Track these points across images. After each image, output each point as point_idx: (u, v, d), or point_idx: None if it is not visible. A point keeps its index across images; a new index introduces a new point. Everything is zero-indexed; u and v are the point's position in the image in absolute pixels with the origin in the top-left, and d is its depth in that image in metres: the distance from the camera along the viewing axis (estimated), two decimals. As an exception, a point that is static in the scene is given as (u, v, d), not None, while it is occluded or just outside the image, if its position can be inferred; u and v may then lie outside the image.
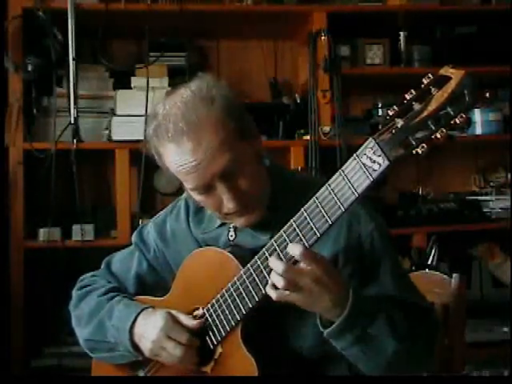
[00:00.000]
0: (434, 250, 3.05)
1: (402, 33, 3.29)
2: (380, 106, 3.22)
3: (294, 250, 1.28)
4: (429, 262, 3.04)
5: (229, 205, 1.42)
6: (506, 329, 3.08)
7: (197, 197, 1.47)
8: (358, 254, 1.43)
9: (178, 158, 1.39)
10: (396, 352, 1.34)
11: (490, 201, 3.27)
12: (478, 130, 3.25)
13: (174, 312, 1.52)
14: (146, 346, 1.52)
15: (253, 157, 1.44)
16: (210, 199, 1.44)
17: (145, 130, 1.48)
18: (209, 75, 1.49)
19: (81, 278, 1.77)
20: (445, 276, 1.80)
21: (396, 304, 1.38)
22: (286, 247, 1.32)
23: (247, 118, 1.46)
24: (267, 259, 1.35)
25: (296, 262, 1.30)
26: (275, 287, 1.29)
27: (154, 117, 1.44)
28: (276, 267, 1.29)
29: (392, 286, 1.43)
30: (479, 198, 3.32)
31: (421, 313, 1.43)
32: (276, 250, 1.34)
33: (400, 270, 1.50)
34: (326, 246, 1.43)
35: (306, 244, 1.29)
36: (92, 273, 1.77)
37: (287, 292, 1.29)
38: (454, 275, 1.76)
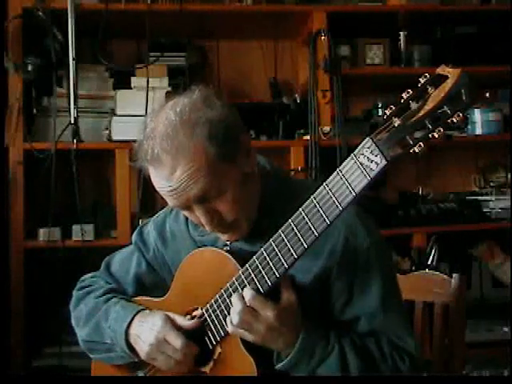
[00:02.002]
0: (434, 250, 3.05)
1: (401, 33, 3.29)
2: (380, 106, 3.22)
3: (246, 295, 1.34)
4: (429, 262, 3.04)
5: (206, 227, 1.43)
6: (506, 329, 3.09)
7: (181, 211, 1.49)
8: (352, 269, 1.43)
9: (156, 180, 1.40)
10: None
11: (490, 201, 3.27)
12: (478, 130, 3.25)
13: (170, 314, 1.52)
14: (142, 348, 1.52)
15: (237, 179, 1.41)
16: (191, 216, 1.46)
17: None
18: (200, 91, 1.43)
19: (81, 278, 1.77)
20: (445, 276, 1.80)
21: (358, 343, 1.39)
22: (284, 247, 1.32)
23: (236, 138, 1.41)
24: (265, 259, 1.35)
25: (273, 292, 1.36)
26: (231, 321, 1.36)
27: (143, 130, 1.43)
28: (235, 306, 1.35)
29: (377, 307, 1.42)
30: (479, 198, 3.32)
31: (389, 351, 1.42)
32: (274, 251, 1.34)
33: (390, 292, 1.47)
34: (322, 259, 1.43)
35: (305, 244, 1.29)
36: (92, 273, 1.77)
37: (241, 330, 1.35)
38: (454, 275, 1.76)
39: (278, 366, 1.39)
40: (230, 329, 1.37)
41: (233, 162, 1.39)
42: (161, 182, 1.38)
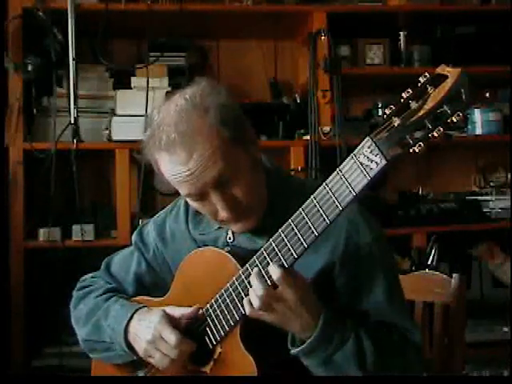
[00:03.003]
0: (434, 250, 3.05)
1: (401, 33, 3.29)
2: (380, 106, 3.21)
3: (274, 272, 1.31)
4: (429, 262, 3.04)
5: (222, 213, 1.42)
6: (506, 329, 3.08)
7: (192, 203, 1.48)
8: (355, 264, 1.43)
9: (170, 167, 1.39)
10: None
11: (490, 201, 3.27)
12: (478, 130, 3.25)
13: (170, 308, 1.52)
14: (140, 345, 1.52)
15: (248, 164, 1.43)
16: (205, 206, 1.45)
17: (143, 132, 1.48)
18: (206, 81, 1.46)
19: (81, 278, 1.78)
20: (445, 276, 1.80)
21: (372, 332, 1.39)
22: (284, 247, 1.32)
23: (244, 125, 1.45)
24: (265, 259, 1.35)
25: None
26: (251, 303, 1.33)
27: (150, 124, 1.43)
28: (255, 287, 1.32)
29: (382, 301, 1.43)
30: (479, 198, 3.32)
31: (399, 341, 1.42)
32: (274, 250, 1.34)
33: (394, 285, 1.48)
34: (324, 254, 1.43)
35: (305, 243, 1.29)
36: (92, 273, 1.77)
37: (260, 312, 1.33)
38: (454, 275, 1.76)
39: (294, 351, 1.36)
40: (248, 310, 1.34)
41: (243, 147, 1.42)
42: (176, 167, 1.38)
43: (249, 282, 1.38)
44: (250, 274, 1.38)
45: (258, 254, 1.37)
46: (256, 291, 1.32)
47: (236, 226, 1.47)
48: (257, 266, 1.37)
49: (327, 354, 1.35)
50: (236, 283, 1.41)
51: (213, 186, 1.39)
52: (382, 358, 1.38)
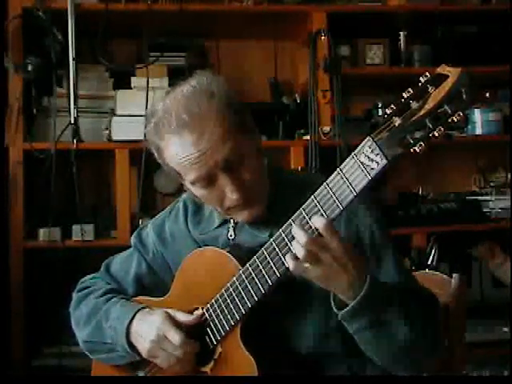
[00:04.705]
0: (434, 250, 3.05)
1: (401, 33, 3.29)
2: (380, 106, 3.20)
3: (318, 222, 1.26)
4: (429, 262, 3.04)
5: (232, 196, 1.42)
6: (506, 329, 3.08)
7: (198, 191, 1.47)
8: (359, 246, 1.43)
9: (180, 150, 1.40)
10: (407, 339, 1.34)
11: (490, 201, 3.27)
12: (478, 130, 3.25)
13: (171, 311, 1.52)
14: (143, 346, 1.52)
15: (254, 151, 1.45)
16: (212, 192, 1.44)
17: (145, 127, 1.49)
18: (207, 72, 1.51)
19: (81, 280, 1.77)
20: (445, 276, 1.80)
21: (406, 291, 1.38)
22: (285, 246, 1.32)
23: (247, 114, 1.48)
24: (266, 259, 1.35)
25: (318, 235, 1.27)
26: (295, 258, 1.26)
27: (153, 114, 1.45)
28: (299, 237, 1.26)
29: (395, 274, 1.43)
30: (479, 198, 3.32)
31: (428, 300, 1.43)
32: (275, 250, 1.34)
33: (401, 260, 1.50)
34: None
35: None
36: (92, 275, 1.77)
37: (306, 264, 1.26)
38: (454, 275, 1.76)
39: (343, 311, 1.30)
40: (292, 265, 1.26)
41: (247, 134, 1.44)
42: (187, 149, 1.39)
43: (249, 282, 1.38)
44: (250, 274, 1.39)
45: (258, 253, 1.38)
46: (300, 240, 1.25)
47: (242, 213, 1.47)
48: (257, 266, 1.37)
49: (377, 312, 1.31)
50: (236, 283, 1.41)
51: (222, 169, 1.40)
52: (420, 312, 1.36)
